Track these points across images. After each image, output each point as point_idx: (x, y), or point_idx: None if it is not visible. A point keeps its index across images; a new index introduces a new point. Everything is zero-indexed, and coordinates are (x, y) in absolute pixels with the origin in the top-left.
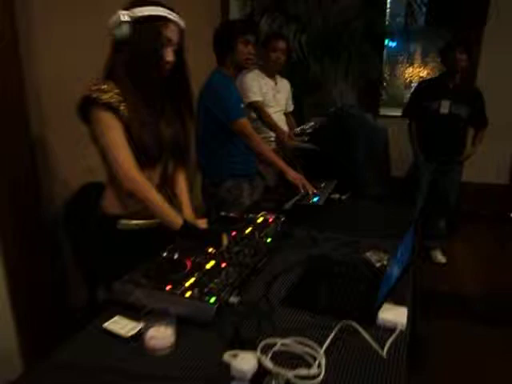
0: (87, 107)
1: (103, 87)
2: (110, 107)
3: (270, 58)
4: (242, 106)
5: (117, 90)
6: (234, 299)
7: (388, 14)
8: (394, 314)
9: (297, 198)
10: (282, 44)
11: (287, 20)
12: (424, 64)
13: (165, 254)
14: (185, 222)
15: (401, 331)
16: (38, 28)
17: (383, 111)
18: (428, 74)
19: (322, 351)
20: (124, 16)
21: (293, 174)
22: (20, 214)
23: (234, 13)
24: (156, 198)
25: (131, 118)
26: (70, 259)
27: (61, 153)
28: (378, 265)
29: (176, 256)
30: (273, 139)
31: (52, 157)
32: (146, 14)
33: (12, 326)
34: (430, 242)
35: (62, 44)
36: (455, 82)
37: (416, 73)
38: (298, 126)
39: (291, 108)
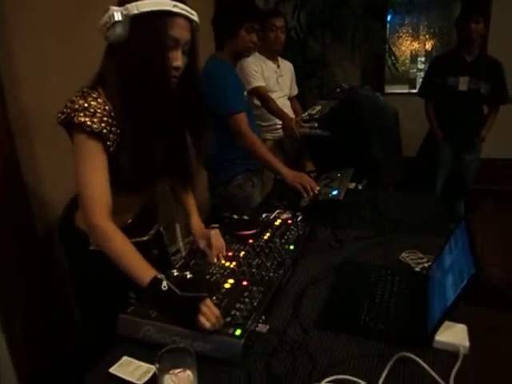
0: (69, 127)
1: (92, 105)
2: (96, 135)
3: (269, 38)
4: (243, 97)
5: (107, 108)
6: (262, 328)
7: None
8: (453, 335)
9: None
10: (280, 21)
11: None
12: (430, 37)
13: (175, 273)
14: (154, 279)
15: (464, 357)
16: (18, 56)
17: (388, 88)
18: (433, 46)
19: None
20: (117, 14)
21: (291, 177)
22: (11, 234)
23: None
24: (119, 248)
25: (121, 146)
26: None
27: (48, 164)
28: (417, 268)
29: (188, 275)
30: (279, 127)
31: (39, 170)
32: (144, 10)
33: (5, 350)
34: None
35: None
36: (473, 54)
37: (421, 46)
38: (304, 111)
39: (296, 92)
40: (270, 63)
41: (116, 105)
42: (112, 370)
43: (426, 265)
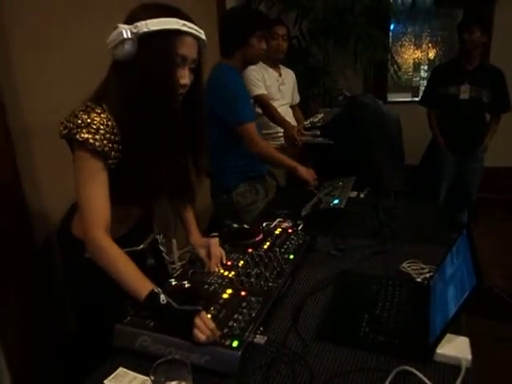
0: (71, 142)
1: (96, 121)
2: (98, 153)
3: (271, 46)
4: (251, 106)
5: (110, 123)
6: (260, 339)
7: None
8: (455, 348)
9: (314, 201)
10: (281, 30)
11: (287, 6)
12: (433, 45)
13: (173, 283)
14: (151, 293)
15: (467, 370)
16: (17, 65)
17: (390, 97)
18: (435, 54)
19: None
20: (126, 32)
21: (303, 171)
22: (10, 242)
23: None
24: (115, 261)
25: (124, 162)
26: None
27: (47, 173)
28: (418, 279)
29: (187, 285)
30: (281, 135)
31: (38, 178)
32: (153, 28)
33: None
34: None
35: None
36: (474, 63)
37: (424, 55)
38: (306, 119)
39: (297, 100)
40: (271, 71)
41: (120, 121)
42: (107, 381)
43: (427, 275)
